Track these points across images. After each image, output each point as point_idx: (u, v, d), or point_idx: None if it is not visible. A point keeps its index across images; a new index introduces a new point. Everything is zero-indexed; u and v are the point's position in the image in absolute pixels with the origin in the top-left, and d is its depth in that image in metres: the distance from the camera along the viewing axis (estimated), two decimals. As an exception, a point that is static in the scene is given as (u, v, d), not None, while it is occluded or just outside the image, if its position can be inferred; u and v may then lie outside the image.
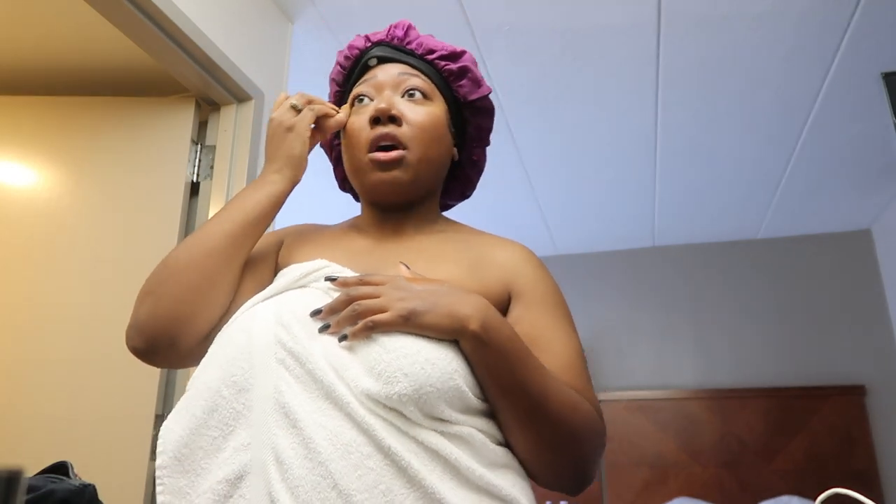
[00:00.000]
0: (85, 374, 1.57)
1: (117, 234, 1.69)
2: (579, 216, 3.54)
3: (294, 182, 0.83)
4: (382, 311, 0.66)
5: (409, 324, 0.65)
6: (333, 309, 0.68)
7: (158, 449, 0.67)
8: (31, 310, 1.65)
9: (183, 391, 0.82)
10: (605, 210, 3.46)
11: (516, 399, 0.67)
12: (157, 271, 0.76)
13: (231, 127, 1.74)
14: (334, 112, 0.86)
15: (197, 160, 1.75)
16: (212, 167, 1.74)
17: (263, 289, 0.77)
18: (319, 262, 0.77)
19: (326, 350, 0.66)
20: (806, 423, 3.38)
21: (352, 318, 0.66)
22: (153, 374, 1.54)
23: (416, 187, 0.84)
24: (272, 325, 0.68)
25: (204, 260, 0.75)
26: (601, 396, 3.68)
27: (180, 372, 1.58)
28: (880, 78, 2.10)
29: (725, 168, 2.96)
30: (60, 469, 0.96)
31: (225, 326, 0.73)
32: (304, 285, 0.75)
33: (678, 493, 3.42)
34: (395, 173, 0.81)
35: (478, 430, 0.67)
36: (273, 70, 1.90)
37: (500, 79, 2.31)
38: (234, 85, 1.70)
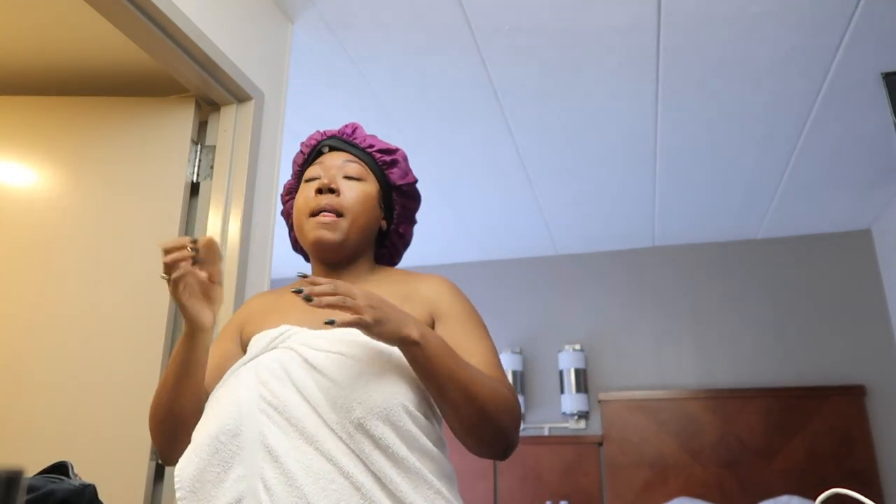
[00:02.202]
0: (85, 375, 1.57)
1: (117, 235, 1.69)
2: (579, 216, 3.54)
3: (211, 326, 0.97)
4: (357, 310, 0.80)
5: (372, 329, 0.81)
6: (315, 283, 0.80)
7: (176, 485, 0.85)
8: (30, 310, 1.65)
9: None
10: (605, 210, 3.46)
11: (450, 386, 0.86)
12: (149, 418, 0.96)
13: (231, 127, 1.74)
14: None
15: (197, 160, 1.75)
16: (212, 167, 1.74)
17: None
18: (283, 328, 0.96)
19: (303, 394, 0.86)
20: (806, 423, 3.38)
21: (335, 303, 0.79)
22: (153, 374, 1.54)
23: (348, 245, 1.05)
24: (254, 384, 0.88)
25: (172, 406, 0.93)
26: (601, 396, 3.69)
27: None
28: (880, 78, 2.11)
29: (725, 168, 2.96)
30: (60, 469, 0.96)
31: (216, 388, 0.93)
32: (275, 347, 0.94)
33: (678, 493, 3.42)
34: (329, 233, 1.02)
35: (426, 464, 0.86)
36: (273, 70, 1.90)
37: (500, 79, 2.31)
38: (234, 85, 1.70)
